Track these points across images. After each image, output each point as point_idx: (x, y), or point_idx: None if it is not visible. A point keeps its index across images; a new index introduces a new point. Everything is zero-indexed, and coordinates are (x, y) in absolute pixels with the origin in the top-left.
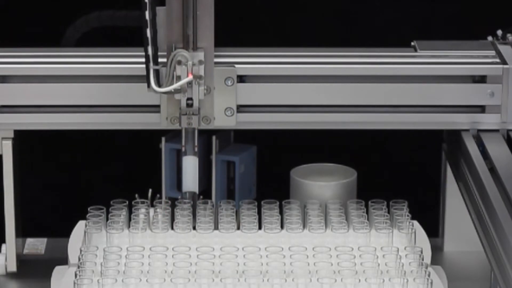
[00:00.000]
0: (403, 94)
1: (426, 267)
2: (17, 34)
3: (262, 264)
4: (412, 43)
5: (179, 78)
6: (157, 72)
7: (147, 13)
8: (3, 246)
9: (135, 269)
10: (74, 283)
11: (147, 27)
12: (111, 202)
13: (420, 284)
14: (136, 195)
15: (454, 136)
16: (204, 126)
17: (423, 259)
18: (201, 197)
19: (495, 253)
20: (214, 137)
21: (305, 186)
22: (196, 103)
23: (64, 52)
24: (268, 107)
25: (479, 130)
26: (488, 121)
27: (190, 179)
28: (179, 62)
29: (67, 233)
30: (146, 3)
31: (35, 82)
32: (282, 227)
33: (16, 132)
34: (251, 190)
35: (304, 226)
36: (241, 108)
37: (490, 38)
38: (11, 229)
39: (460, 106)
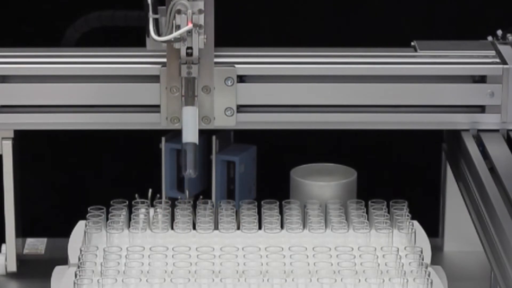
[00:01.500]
0: (403, 94)
1: (426, 267)
2: (16, 34)
3: (262, 264)
4: (412, 43)
5: (178, 27)
6: (156, 22)
7: None
8: (3, 246)
9: (135, 269)
10: (74, 283)
11: None
12: (111, 202)
13: (420, 284)
14: (136, 195)
15: (454, 136)
16: (204, 126)
17: (423, 259)
18: (201, 197)
19: (495, 253)
20: (214, 137)
21: (305, 186)
22: (196, 52)
23: (64, 52)
24: (268, 107)
25: (479, 130)
26: (488, 121)
27: (190, 130)
28: (179, 11)
29: (67, 233)
30: None
31: (35, 82)
32: (282, 227)
33: (16, 132)
34: (251, 190)
35: (304, 226)
36: (241, 108)
37: (490, 38)
38: (11, 229)
39: (460, 106)
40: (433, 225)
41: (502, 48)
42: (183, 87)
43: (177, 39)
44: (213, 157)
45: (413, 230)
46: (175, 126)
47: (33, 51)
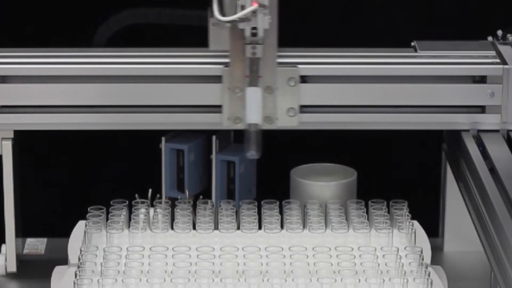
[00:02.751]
0: (403, 94)
1: (426, 267)
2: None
3: (262, 264)
4: (412, 43)
5: (242, 7)
6: (220, 2)
7: None
8: (3, 246)
9: (135, 269)
10: (74, 283)
11: None
12: (111, 202)
13: (420, 284)
14: (136, 195)
15: (454, 136)
16: (267, 126)
17: (423, 259)
18: (201, 197)
19: (495, 253)
20: (214, 137)
21: (305, 186)
22: (260, 33)
23: (64, 52)
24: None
25: (479, 130)
26: (488, 121)
27: (254, 111)
28: None
29: (67, 233)
30: None
31: (35, 82)
32: (282, 227)
33: (16, 132)
34: (251, 190)
35: (304, 226)
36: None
37: (490, 38)
38: (11, 229)
39: (460, 106)
40: (433, 225)
41: (502, 48)
42: (247, 68)
43: (242, 19)
44: (213, 157)
45: (413, 230)
46: (237, 127)
47: (33, 51)
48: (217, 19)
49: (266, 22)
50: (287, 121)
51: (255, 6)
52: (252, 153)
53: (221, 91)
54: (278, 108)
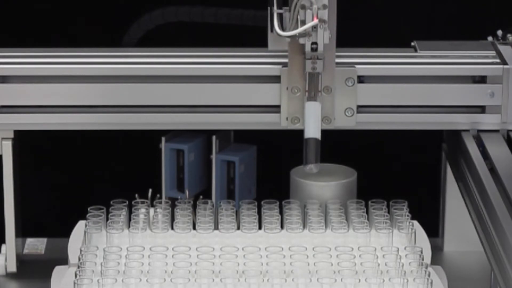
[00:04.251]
0: (403, 94)
1: (426, 267)
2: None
3: (262, 264)
4: (412, 43)
5: (302, 22)
6: (280, 16)
7: None
8: (3, 246)
9: (135, 269)
10: (74, 283)
11: None
12: (111, 202)
13: (420, 284)
14: (136, 195)
15: (454, 136)
16: (324, 126)
17: (423, 259)
18: (201, 197)
19: (495, 253)
20: (214, 137)
21: (305, 186)
22: (320, 48)
23: (64, 52)
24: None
25: (479, 131)
26: (488, 121)
27: (312, 125)
28: (303, 7)
29: (67, 233)
30: None
31: (35, 82)
32: (282, 227)
33: (16, 132)
34: (251, 190)
35: (304, 226)
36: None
37: (490, 38)
38: (11, 229)
39: (460, 106)
40: (433, 225)
41: (502, 48)
42: (307, 82)
43: (302, 34)
44: (213, 157)
45: (413, 230)
46: (296, 127)
47: (33, 51)
48: (277, 34)
49: (326, 37)
50: (344, 121)
51: (315, 21)
52: (311, 167)
53: (279, 91)
54: (336, 108)
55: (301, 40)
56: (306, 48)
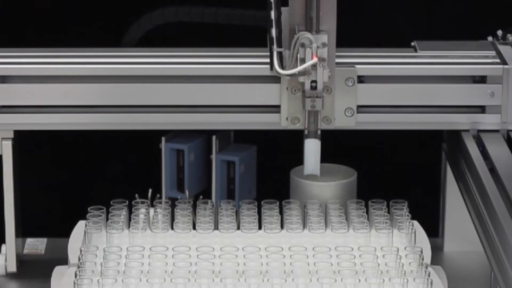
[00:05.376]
0: (403, 94)
1: (426, 267)
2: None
3: (262, 264)
4: (412, 43)
5: (302, 60)
6: (280, 55)
7: None
8: (3, 246)
9: (135, 269)
10: (74, 283)
11: (271, 9)
12: (111, 202)
13: (420, 284)
14: (136, 195)
15: (454, 136)
16: (324, 126)
17: (423, 259)
18: (201, 197)
19: (495, 253)
20: (214, 137)
21: (305, 186)
22: (320, 86)
23: (64, 52)
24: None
25: (479, 131)
26: (488, 121)
27: (312, 162)
28: (303, 45)
29: (67, 233)
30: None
31: (35, 82)
32: (282, 227)
33: (16, 132)
34: (251, 190)
35: (304, 226)
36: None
37: (490, 38)
38: (11, 229)
39: (460, 106)
40: (433, 225)
41: (502, 48)
42: (306, 120)
43: (301, 73)
44: (213, 157)
45: (413, 230)
46: (296, 127)
47: (33, 51)
48: (277, 72)
49: (325, 76)
50: (344, 121)
51: (315, 59)
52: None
53: (279, 91)
54: (336, 108)
55: (301, 79)
56: (305, 86)
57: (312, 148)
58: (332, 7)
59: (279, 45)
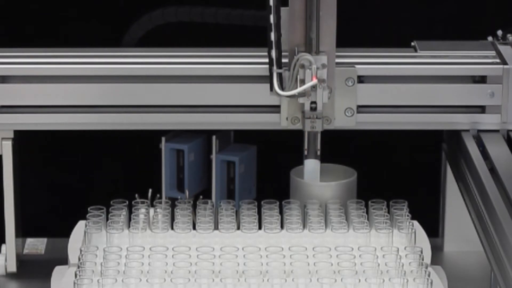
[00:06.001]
0: (403, 94)
1: (426, 267)
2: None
3: (262, 264)
4: (412, 43)
5: (302, 81)
6: (280, 76)
7: (271, 16)
8: (3, 246)
9: (135, 269)
10: (74, 283)
11: (271, 30)
12: (111, 202)
13: (420, 284)
14: (136, 195)
15: (454, 136)
16: (324, 126)
17: (423, 259)
18: (201, 197)
19: (495, 253)
20: (214, 137)
21: (305, 186)
22: (320, 107)
23: (64, 52)
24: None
25: (479, 131)
26: (488, 121)
27: (312, 182)
28: (302, 66)
29: (67, 233)
30: (271, 6)
31: (35, 82)
32: (282, 227)
33: (16, 132)
34: (251, 190)
35: (304, 226)
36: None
37: (490, 38)
38: (11, 229)
39: (460, 106)
40: (433, 225)
41: (502, 48)
42: (306, 141)
43: (301, 94)
44: (213, 157)
45: (413, 230)
46: (296, 127)
47: (33, 51)
48: (277, 94)
49: (325, 97)
50: (344, 121)
51: (314, 81)
52: None
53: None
54: (336, 108)
55: (301, 100)
56: (305, 107)
57: (311, 169)
58: (331, 28)
59: (279, 66)
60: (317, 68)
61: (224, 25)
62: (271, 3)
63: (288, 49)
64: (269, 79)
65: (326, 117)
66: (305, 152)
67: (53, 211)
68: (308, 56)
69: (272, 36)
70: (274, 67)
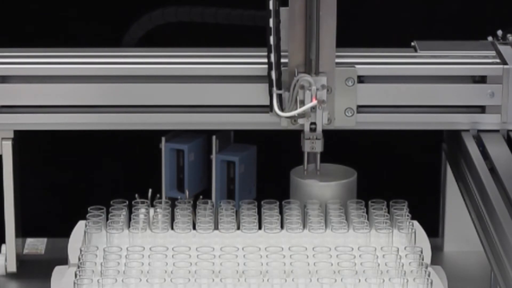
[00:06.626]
0: (403, 94)
1: (426, 267)
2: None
3: (262, 264)
4: (412, 43)
5: (302, 102)
6: (280, 97)
7: (271, 38)
8: (3, 246)
9: (135, 269)
10: (74, 283)
11: (271, 51)
12: (111, 202)
13: (420, 284)
14: (136, 195)
15: (454, 136)
16: (324, 126)
17: (423, 259)
18: (201, 197)
19: (495, 253)
20: (214, 137)
21: (305, 186)
22: (319, 128)
23: (64, 52)
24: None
25: (479, 131)
26: (488, 121)
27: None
28: (302, 87)
29: (67, 233)
30: (270, 28)
31: (35, 82)
32: (282, 227)
33: (16, 132)
34: (251, 190)
35: (304, 226)
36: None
37: (490, 38)
38: (11, 229)
39: (460, 106)
40: (433, 225)
41: (502, 48)
42: (305, 162)
43: (301, 115)
44: (213, 157)
45: (413, 230)
46: (296, 127)
47: (33, 51)
48: (276, 114)
49: (325, 118)
50: (344, 121)
51: (314, 102)
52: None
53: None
54: (336, 108)
55: (300, 121)
56: (305, 128)
57: (312, 190)
58: (331, 49)
59: (279, 87)
60: (317, 89)
61: (224, 25)
62: (270, 24)
63: (288, 71)
64: (269, 100)
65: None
66: (305, 173)
67: (53, 211)
68: (307, 77)
69: (272, 57)
70: (274, 88)
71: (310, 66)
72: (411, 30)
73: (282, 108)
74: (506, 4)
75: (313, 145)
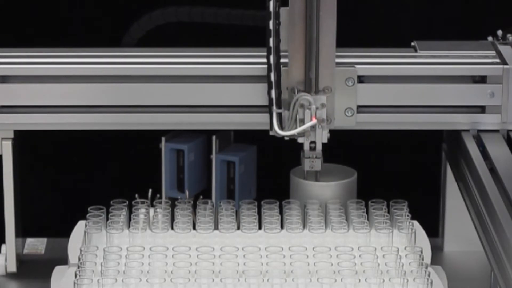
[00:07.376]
0: (403, 94)
1: (426, 267)
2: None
3: (262, 264)
4: (412, 43)
5: (301, 121)
6: (279, 115)
7: (271, 57)
8: (3, 246)
9: (135, 269)
10: (74, 283)
11: (271, 71)
12: (111, 202)
13: (420, 284)
14: (136, 195)
15: (454, 136)
16: (324, 126)
17: (423, 259)
18: (201, 197)
19: (495, 253)
20: (214, 137)
21: (305, 186)
22: (319, 146)
23: (64, 52)
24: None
25: (479, 131)
26: (488, 121)
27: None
28: (302, 106)
29: (67, 233)
30: (271, 47)
31: (35, 82)
32: (282, 227)
33: (16, 132)
34: (251, 190)
35: (304, 226)
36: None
37: (490, 38)
38: (11, 229)
39: (460, 106)
40: (433, 225)
41: (502, 48)
42: (304, 179)
43: (300, 134)
44: (213, 157)
45: (413, 230)
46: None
47: (33, 51)
48: (276, 133)
49: (324, 137)
50: (344, 121)
51: (314, 121)
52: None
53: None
54: (336, 108)
55: (300, 140)
56: (304, 147)
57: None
58: (330, 68)
59: (279, 106)
60: (317, 108)
61: (224, 25)
62: (270, 44)
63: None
64: (269, 119)
65: (326, 117)
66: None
67: (53, 211)
68: (307, 96)
69: (272, 76)
70: (274, 107)
71: (310, 85)
72: (411, 30)
73: (282, 127)
74: (506, 4)
75: (312, 164)
